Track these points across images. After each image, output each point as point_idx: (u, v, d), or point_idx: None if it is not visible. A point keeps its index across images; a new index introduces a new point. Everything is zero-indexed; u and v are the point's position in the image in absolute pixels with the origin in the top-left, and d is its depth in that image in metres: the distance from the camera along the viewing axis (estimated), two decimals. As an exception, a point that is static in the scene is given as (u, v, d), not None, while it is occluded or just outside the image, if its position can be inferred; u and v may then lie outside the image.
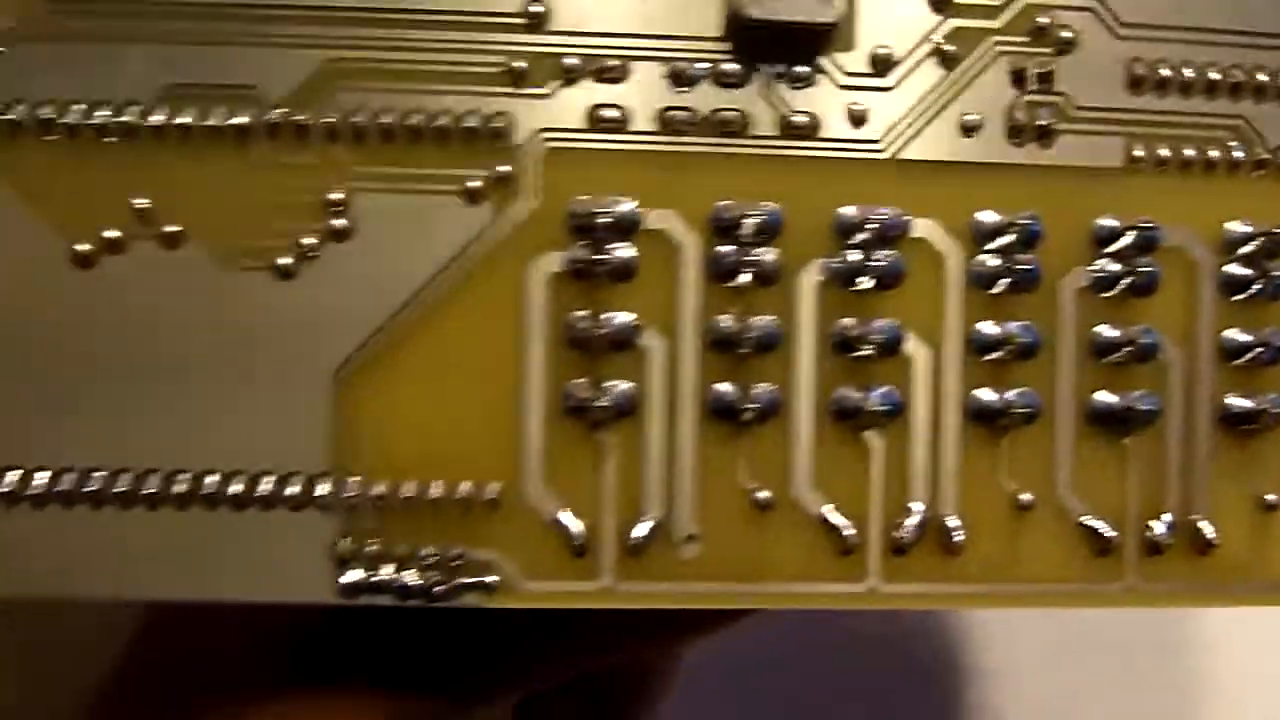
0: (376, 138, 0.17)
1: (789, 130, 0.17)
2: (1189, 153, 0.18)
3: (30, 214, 0.17)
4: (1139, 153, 0.18)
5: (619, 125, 0.17)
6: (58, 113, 0.17)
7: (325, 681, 0.21)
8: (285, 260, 0.17)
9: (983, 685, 0.28)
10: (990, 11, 0.18)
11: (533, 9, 0.17)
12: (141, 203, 0.17)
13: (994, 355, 0.18)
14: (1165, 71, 0.18)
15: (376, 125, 0.17)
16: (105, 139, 0.17)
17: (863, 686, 0.29)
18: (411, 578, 0.17)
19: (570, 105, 0.17)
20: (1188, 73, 0.18)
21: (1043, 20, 0.18)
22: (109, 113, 0.17)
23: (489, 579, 0.17)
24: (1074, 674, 0.27)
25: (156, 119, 0.17)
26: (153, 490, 0.17)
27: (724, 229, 0.17)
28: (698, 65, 0.17)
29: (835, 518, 0.17)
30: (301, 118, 0.17)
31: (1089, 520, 0.18)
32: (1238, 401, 0.18)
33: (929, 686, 0.28)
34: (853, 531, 0.17)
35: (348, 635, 0.21)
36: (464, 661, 0.21)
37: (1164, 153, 0.18)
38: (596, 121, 0.17)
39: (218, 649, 0.22)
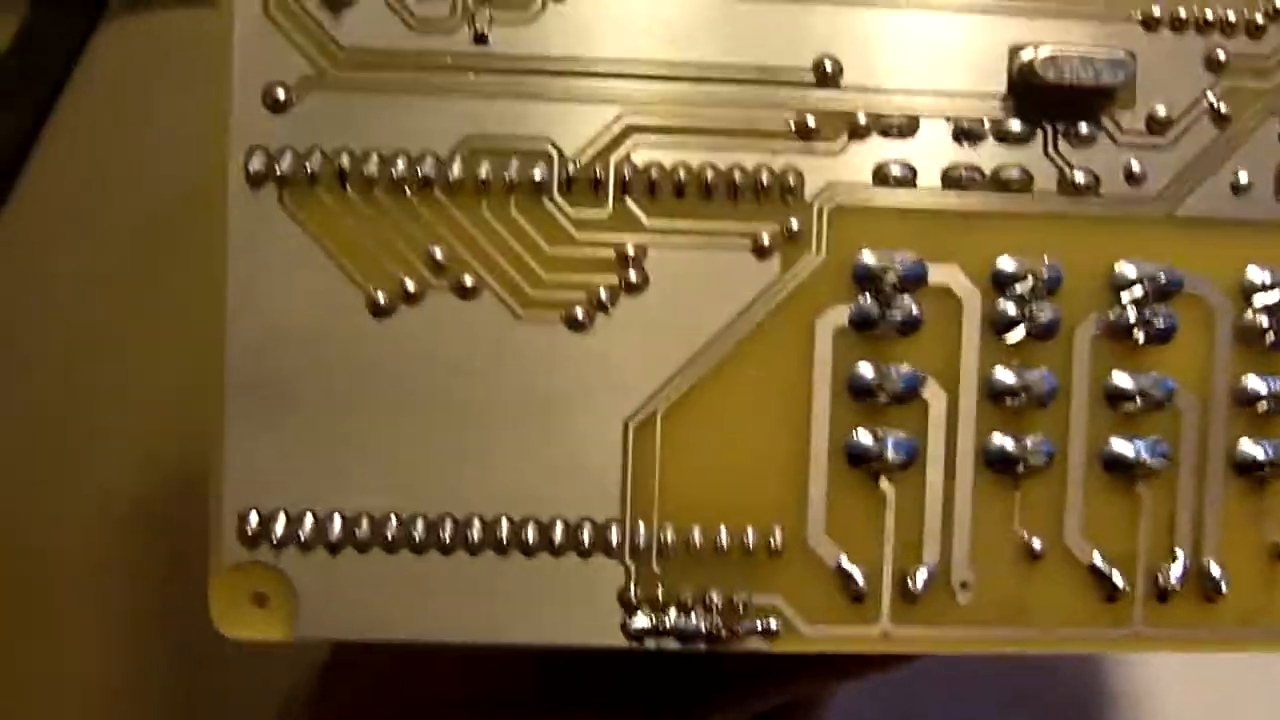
0: (669, 192, 0.17)
1: (1069, 188, 0.18)
2: None
3: (330, 263, 0.17)
4: (1400, 215, 0.18)
5: (905, 181, 0.18)
6: (354, 164, 0.17)
7: (549, 702, 0.21)
8: (579, 312, 0.17)
9: (1126, 709, 0.29)
10: (1262, 72, 0.18)
11: (825, 66, 0.17)
12: (438, 254, 0.17)
13: (1258, 408, 0.18)
14: None
15: (670, 180, 0.17)
16: (402, 191, 0.17)
17: (1008, 708, 0.29)
18: (697, 622, 0.18)
19: (858, 161, 0.17)
20: None
21: (1314, 80, 0.18)
22: (405, 165, 0.17)
23: (771, 623, 0.18)
24: (1216, 697, 0.28)
25: (453, 172, 0.17)
26: (446, 536, 0.17)
27: (1004, 284, 0.18)
28: (983, 123, 0.18)
29: (1104, 565, 0.18)
30: (596, 172, 0.17)
31: (1342, 568, 0.18)
32: None
33: (1074, 710, 0.29)
34: (1121, 580, 0.18)
35: (569, 659, 0.21)
36: (682, 689, 0.22)
37: None
38: (883, 177, 0.17)
39: (431, 667, 0.22)
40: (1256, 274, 0.18)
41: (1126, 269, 0.18)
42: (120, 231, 0.33)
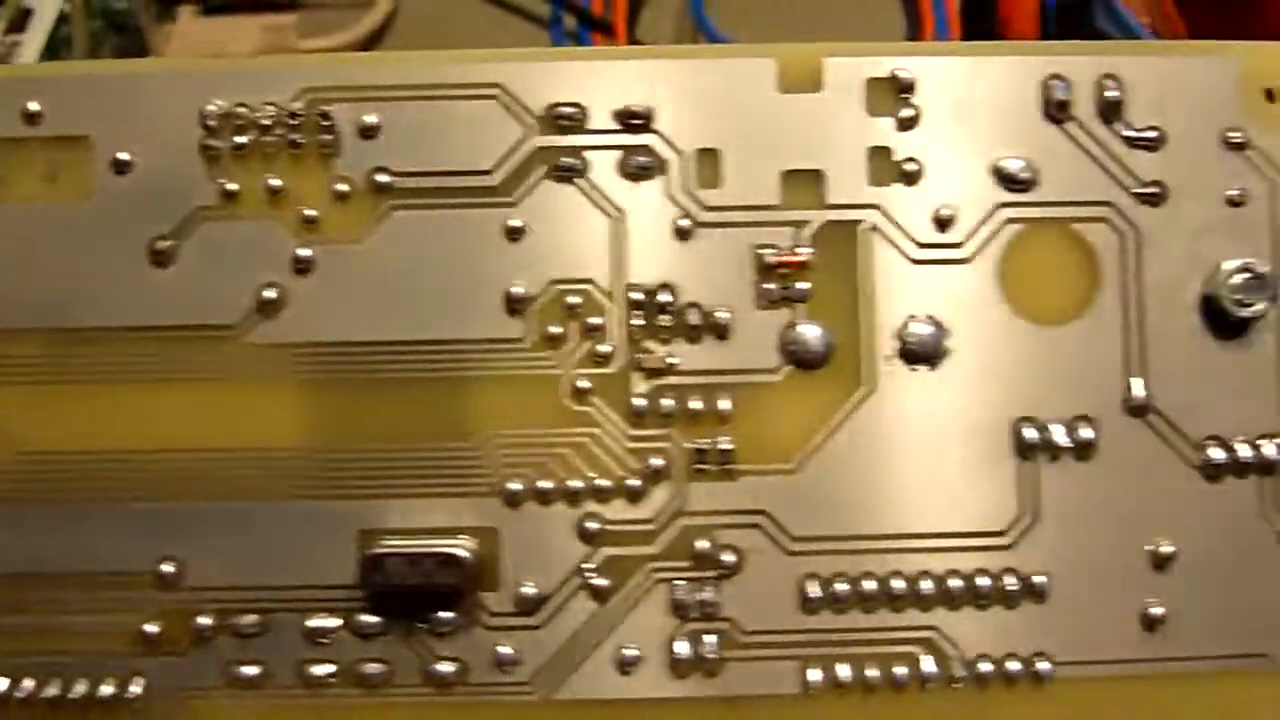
0: (12, 713, 0.17)
1: (433, 679, 0.17)
2: (871, 672, 0.17)
3: None
4: (815, 676, 0.17)
5: (257, 682, 0.17)
6: None
7: None
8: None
9: None
10: (646, 537, 0.17)
11: (163, 569, 0.17)
12: None
13: None
14: (843, 586, 0.17)
15: (15, 697, 0.17)
16: None
17: None
18: None
19: (207, 663, 0.17)
20: (869, 585, 0.17)
21: (702, 544, 0.17)
22: None
23: None
24: None
25: None
26: None
27: (371, 783, 0.17)
28: (337, 616, 0.17)
29: None
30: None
31: None
32: None
33: None
34: None
35: None
36: None
37: (844, 673, 0.17)
38: (234, 679, 0.17)
39: None
40: (653, 755, 0.17)
41: (504, 759, 0.17)
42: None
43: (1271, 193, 0.17)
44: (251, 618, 0.17)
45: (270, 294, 0.17)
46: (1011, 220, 0.17)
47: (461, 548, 0.16)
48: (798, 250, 0.17)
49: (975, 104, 0.17)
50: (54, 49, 0.29)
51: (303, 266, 0.17)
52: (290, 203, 0.17)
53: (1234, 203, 0.17)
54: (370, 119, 0.17)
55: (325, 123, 0.17)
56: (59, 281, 0.17)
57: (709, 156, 0.17)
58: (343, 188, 0.17)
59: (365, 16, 0.33)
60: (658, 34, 0.31)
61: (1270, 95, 0.17)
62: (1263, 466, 0.17)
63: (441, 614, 0.17)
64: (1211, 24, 0.32)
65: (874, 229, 0.17)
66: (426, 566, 0.16)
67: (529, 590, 0.17)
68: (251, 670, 0.17)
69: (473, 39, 0.32)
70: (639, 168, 0.17)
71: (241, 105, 0.17)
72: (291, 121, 0.17)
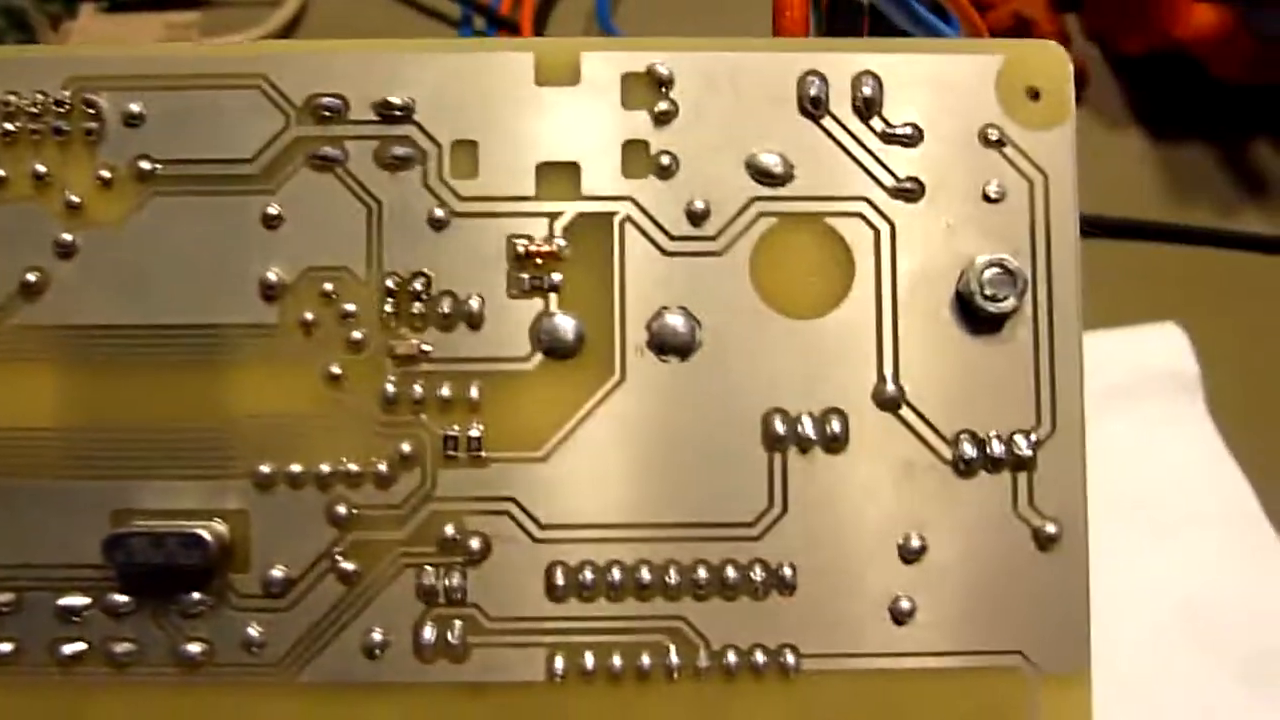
0: None
1: (181, 659, 0.17)
2: (617, 661, 0.17)
3: None
4: (561, 664, 0.17)
5: (11, 659, 0.17)
6: None
7: None
8: None
9: None
10: (394, 522, 0.17)
11: (-84, 540, 0.17)
12: None
13: None
14: (590, 574, 0.17)
15: None
16: None
17: None
18: None
19: (-37, 640, 0.17)
20: (616, 574, 0.17)
21: (450, 530, 0.17)
22: None
23: None
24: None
25: None
26: None
27: (119, 762, 0.17)
28: (85, 597, 0.17)
29: None
30: None
31: None
32: None
33: None
34: None
35: None
36: None
37: (590, 662, 0.17)
38: (-11, 652, 0.17)
39: None
40: (400, 740, 0.17)
41: (247, 740, 0.17)
42: None
43: (1030, 189, 0.17)
44: (6, 595, 0.17)
45: (32, 277, 0.17)
46: (765, 214, 0.17)
47: (207, 529, 0.17)
48: (552, 240, 0.17)
49: (732, 99, 0.17)
50: (-45, 45, 0.30)
51: (65, 251, 0.17)
52: (55, 189, 0.17)
53: (991, 199, 0.17)
54: (135, 107, 0.17)
55: (90, 111, 0.17)
56: None
57: (466, 148, 0.17)
58: (106, 174, 0.17)
59: (273, 14, 0.33)
60: (565, 36, 0.32)
61: (1034, 93, 0.17)
62: (1016, 462, 0.17)
63: (190, 595, 0.17)
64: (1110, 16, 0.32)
65: (627, 220, 0.17)
66: (170, 546, 0.16)
67: (278, 573, 0.17)
68: (5, 647, 0.17)
69: (380, 38, 0.32)
70: (397, 158, 0.17)
71: (11, 93, 0.17)
72: (58, 109, 0.17)
